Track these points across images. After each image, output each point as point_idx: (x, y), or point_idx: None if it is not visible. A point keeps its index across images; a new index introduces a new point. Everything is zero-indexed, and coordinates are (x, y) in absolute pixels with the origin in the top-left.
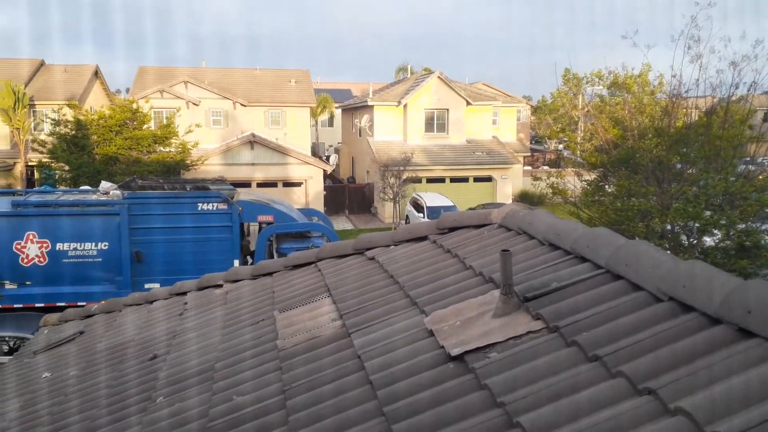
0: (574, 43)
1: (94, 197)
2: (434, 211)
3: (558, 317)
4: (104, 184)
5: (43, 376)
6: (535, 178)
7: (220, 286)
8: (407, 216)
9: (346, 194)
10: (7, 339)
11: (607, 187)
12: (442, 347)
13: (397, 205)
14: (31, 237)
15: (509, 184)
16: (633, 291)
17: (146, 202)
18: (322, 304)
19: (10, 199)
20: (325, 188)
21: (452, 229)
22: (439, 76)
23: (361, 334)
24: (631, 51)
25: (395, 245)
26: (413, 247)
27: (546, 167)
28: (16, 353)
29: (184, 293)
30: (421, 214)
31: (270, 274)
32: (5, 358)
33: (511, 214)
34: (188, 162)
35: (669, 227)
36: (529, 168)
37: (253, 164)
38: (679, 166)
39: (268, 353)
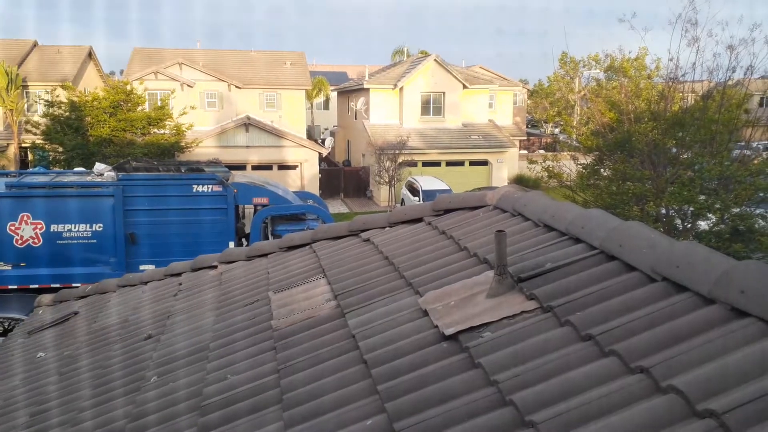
0: (571, 26)
1: (88, 179)
2: (430, 195)
3: (552, 297)
4: (98, 166)
5: (38, 355)
6: (531, 162)
7: (215, 267)
8: (402, 199)
9: (342, 177)
10: (1, 320)
11: (602, 170)
12: (436, 327)
13: (393, 188)
14: (25, 218)
15: (505, 168)
16: (627, 271)
17: (141, 184)
18: (317, 285)
19: (3, 180)
20: (321, 171)
21: (447, 211)
22: (435, 59)
23: (355, 314)
24: (629, 34)
25: (390, 227)
26: (408, 229)
27: (542, 151)
28: (10, 333)
29: (179, 274)
30: (417, 198)
31: (265, 255)
32: None
33: (506, 196)
34: (183, 144)
35: (664, 211)
36: (525, 152)
37: (248, 147)
38: (674, 150)
39: (262, 333)
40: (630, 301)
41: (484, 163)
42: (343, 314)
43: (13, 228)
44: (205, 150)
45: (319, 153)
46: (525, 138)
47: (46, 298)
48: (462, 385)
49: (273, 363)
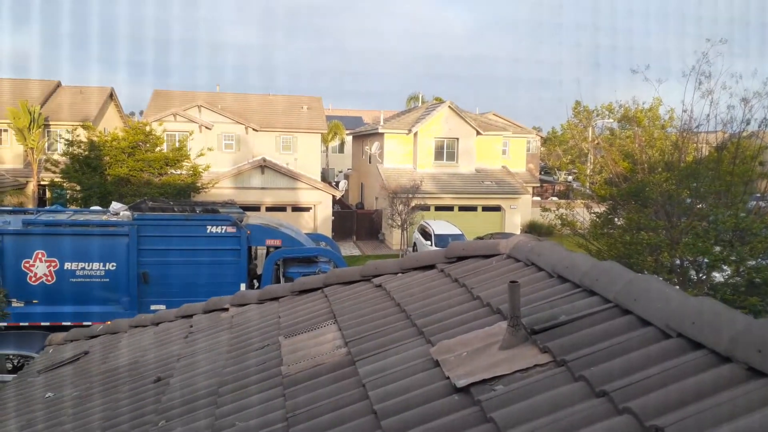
0: (584, 76)
1: (104, 218)
2: (442, 239)
3: (566, 351)
4: (114, 205)
5: (46, 395)
6: (544, 209)
7: (227, 309)
8: (415, 243)
9: (355, 220)
10: (11, 357)
11: (616, 219)
12: (448, 378)
13: (405, 232)
14: (39, 256)
15: (518, 214)
16: (641, 326)
17: (155, 224)
18: (327, 331)
19: (21, 217)
20: (334, 213)
21: (460, 259)
22: (449, 106)
23: (366, 362)
24: (642, 85)
25: (402, 273)
26: (421, 276)
27: (555, 198)
28: (20, 372)
29: (190, 316)
30: (429, 242)
31: (276, 299)
32: (9, 377)
33: (519, 245)
34: (199, 185)
35: (678, 262)
36: (538, 198)
37: (263, 188)
38: (689, 200)
39: (272, 379)
40: (644, 357)
41: (497, 208)
42: (353, 362)
43: (27, 265)
44: (221, 191)
45: (333, 195)
46: (538, 185)
47: (57, 336)
48: None
49: (282, 410)
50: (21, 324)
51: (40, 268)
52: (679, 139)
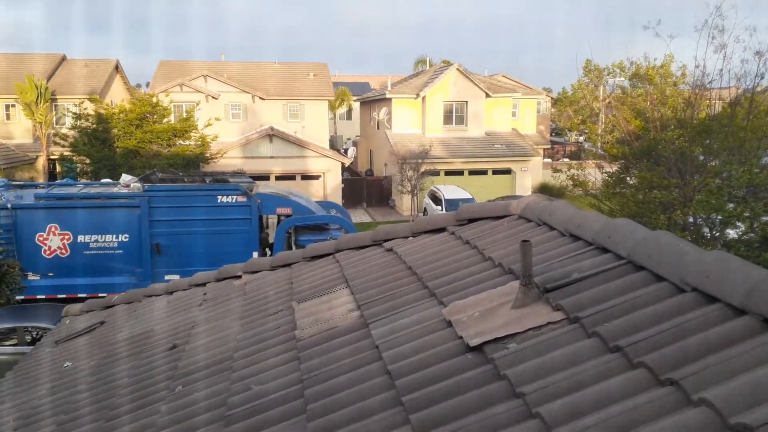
0: (595, 34)
1: (114, 190)
2: (452, 204)
3: (579, 308)
4: (125, 177)
5: (65, 365)
6: (556, 170)
7: (239, 277)
8: (425, 209)
9: (364, 187)
10: (29, 329)
11: (628, 179)
12: (461, 338)
13: (415, 197)
14: (53, 229)
15: (529, 176)
16: (655, 282)
17: (166, 195)
18: (340, 295)
19: (33, 191)
20: (343, 181)
21: (471, 221)
22: (458, 68)
23: (379, 324)
24: (654, 41)
25: (413, 236)
26: (431, 239)
27: (566, 159)
28: (38, 343)
29: (204, 284)
30: (440, 207)
31: (289, 265)
32: (28, 348)
33: (530, 206)
34: (207, 155)
35: (691, 220)
36: (549, 160)
37: (271, 157)
38: (701, 157)
39: (286, 343)
40: (659, 312)
41: (508, 171)
42: (366, 324)
43: (41, 239)
44: (229, 161)
45: (342, 163)
46: (549, 146)
47: (74, 307)
48: (487, 397)
49: (297, 373)
50: (37, 297)
51: (53, 241)
52: (691, 96)
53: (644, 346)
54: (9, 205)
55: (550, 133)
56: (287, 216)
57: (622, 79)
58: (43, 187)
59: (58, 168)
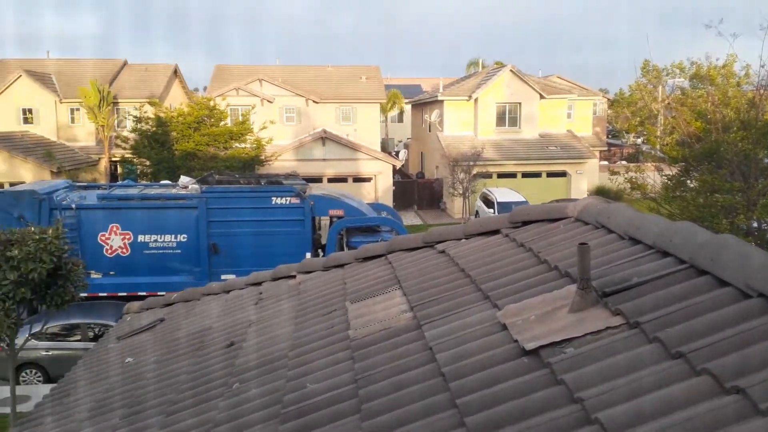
0: (654, 34)
1: (173, 191)
2: (505, 207)
3: (639, 313)
4: (183, 179)
5: (126, 360)
6: (613, 173)
7: (294, 277)
8: (477, 211)
9: (415, 189)
10: (92, 326)
11: (688, 182)
12: (516, 341)
13: (467, 200)
14: (114, 229)
15: (584, 179)
16: (719, 287)
17: (223, 196)
18: (393, 296)
19: (95, 192)
20: (395, 183)
21: (525, 223)
22: (511, 70)
23: (432, 326)
24: (716, 41)
25: (466, 239)
26: (485, 241)
27: (624, 162)
28: (101, 339)
29: (259, 283)
30: (492, 210)
31: (341, 265)
32: (91, 344)
33: (588, 208)
34: (262, 158)
35: (755, 224)
36: (606, 163)
37: (324, 160)
38: (766, 160)
39: (340, 343)
40: (722, 318)
41: (563, 174)
42: (419, 326)
43: (103, 238)
44: (283, 163)
45: (393, 165)
46: (605, 149)
47: (134, 305)
48: (544, 402)
49: (351, 373)
50: (99, 294)
51: (115, 241)
52: (755, 96)
53: (708, 353)
54: (73, 206)
55: (607, 135)
56: (339, 217)
57: (682, 79)
58: (105, 188)
59: (119, 170)
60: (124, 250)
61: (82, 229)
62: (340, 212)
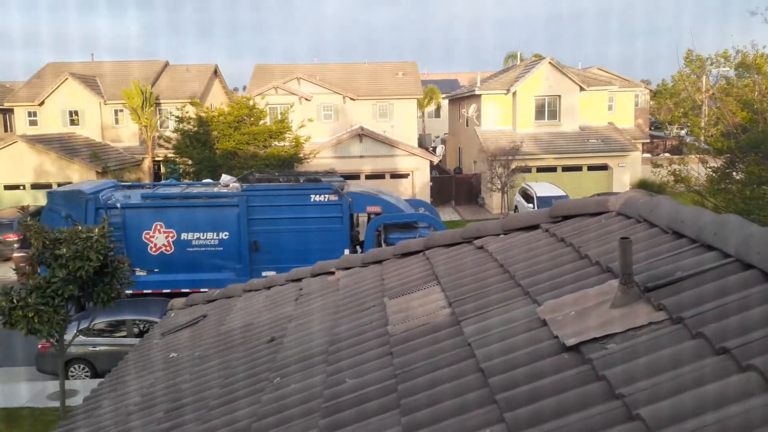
0: (697, 22)
1: (215, 190)
2: (545, 202)
3: (682, 308)
4: (224, 178)
5: (171, 355)
6: (656, 166)
7: (333, 273)
8: (516, 206)
9: (453, 185)
10: (137, 322)
11: (734, 174)
12: (556, 337)
13: (506, 195)
14: (158, 227)
15: (627, 172)
16: (765, 281)
17: (263, 194)
18: (431, 292)
19: (139, 191)
20: (432, 179)
21: (566, 218)
22: (550, 62)
23: (470, 322)
24: (762, 28)
25: (505, 234)
26: (524, 236)
27: (667, 154)
28: (146, 335)
29: (299, 280)
30: (531, 205)
31: (380, 262)
32: (136, 340)
33: (630, 201)
34: (301, 155)
35: None
36: (649, 155)
37: (361, 156)
38: None
39: (379, 338)
40: None
41: (604, 167)
42: (458, 322)
43: (147, 236)
44: (321, 161)
45: (430, 161)
46: (648, 141)
47: (178, 302)
48: (584, 398)
49: (390, 368)
50: (144, 291)
51: (159, 238)
52: None
53: (754, 349)
54: (118, 205)
55: (649, 127)
56: (377, 214)
57: (727, 69)
58: (149, 188)
59: (162, 169)
60: (168, 248)
61: (127, 227)
62: (377, 209)
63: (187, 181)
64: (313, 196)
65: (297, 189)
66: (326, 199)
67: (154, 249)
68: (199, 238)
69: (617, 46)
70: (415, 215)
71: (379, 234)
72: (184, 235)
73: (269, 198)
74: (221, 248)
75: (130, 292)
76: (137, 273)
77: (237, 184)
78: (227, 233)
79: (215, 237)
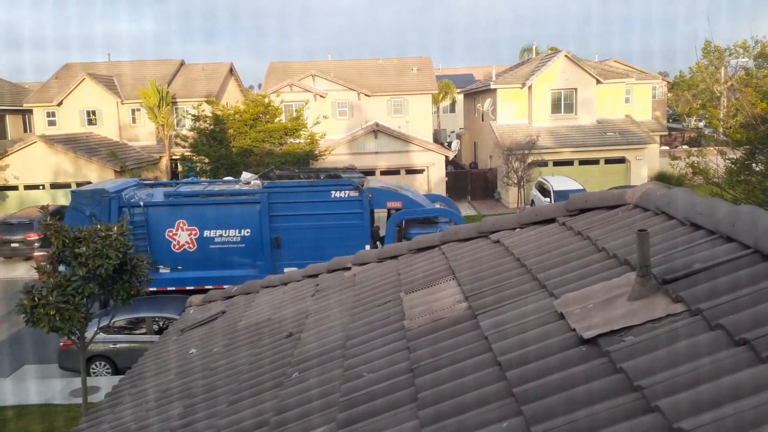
0: (715, 13)
1: (236, 187)
2: (562, 195)
3: (700, 300)
4: (245, 175)
5: (190, 351)
6: (674, 158)
7: (349, 268)
8: (532, 201)
9: (469, 180)
10: (156, 319)
11: (754, 165)
12: (574, 330)
13: (522, 189)
14: (181, 225)
15: (645, 165)
16: None
17: (284, 191)
18: (447, 287)
19: (162, 190)
20: (447, 174)
21: (582, 211)
22: (566, 55)
23: (487, 316)
24: None
25: (521, 228)
26: (540, 230)
27: (685, 146)
28: (165, 332)
29: (316, 275)
30: (548, 199)
31: (395, 257)
32: (155, 337)
33: (647, 194)
34: (317, 152)
35: None
36: (667, 148)
37: (376, 153)
38: None
39: (395, 333)
40: None
41: (622, 160)
42: (474, 316)
43: (170, 234)
44: (337, 157)
45: (446, 156)
46: (666, 133)
47: (197, 298)
48: (603, 391)
49: (407, 362)
50: (168, 289)
51: (182, 236)
52: None
53: None
54: (141, 203)
55: (667, 119)
56: (397, 209)
57: (746, 59)
58: (171, 186)
59: (179, 167)
60: (191, 246)
61: (150, 225)
62: (398, 204)
63: (204, 179)
64: (333, 192)
65: (318, 185)
66: (347, 195)
67: (177, 246)
68: (221, 236)
69: (634, 38)
70: (436, 210)
71: (400, 229)
72: (206, 233)
73: (290, 195)
74: (243, 245)
75: (154, 289)
76: (161, 270)
77: (258, 182)
78: (249, 230)
79: (237, 234)
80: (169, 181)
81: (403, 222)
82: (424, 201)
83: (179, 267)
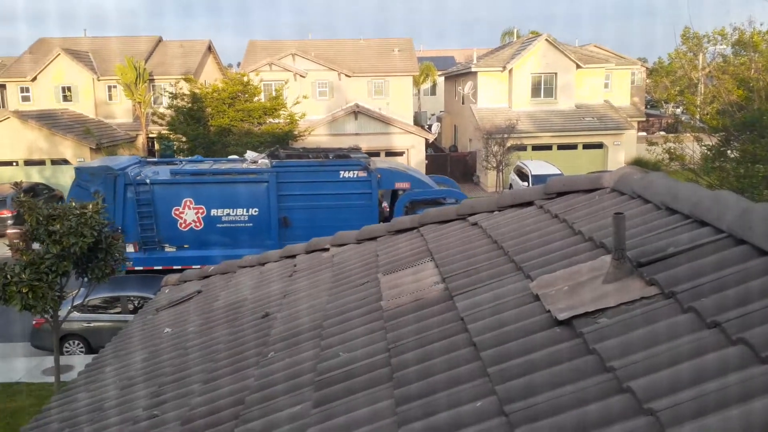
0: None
1: (243, 166)
2: (540, 180)
3: (674, 283)
4: (250, 154)
5: (165, 331)
6: (651, 144)
7: (327, 249)
8: (511, 185)
9: (448, 163)
10: (132, 298)
11: (729, 152)
12: (549, 312)
13: (501, 173)
14: (188, 203)
15: (622, 150)
16: (758, 256)
17: (293, 170)
18: (424, 268)
19: (168, 167)
20: (427, 157)
21: (560, 194)
22: (546, 39)
23: (463, 297)
24: (760, 6)
25: (499, 211)
26: (518, 213)
27: (663, 132)
28: (140, 310)
29: (293, 256)
30: (526, 183)
31: (374, 238)
32: (130, 316)
33: (624, 178)
34: (296, 132)
35: None
36: (644, 134)
37: (357, 134)
38: None
39: (372, 313)
40: (762, 288)
41: (599, 146)
42: (451, 297)
43: (177, 212)
44: (316, 138)
45: (426, 139)
46: (644, 119)
47: (172, 278)
48: (575, 371)
49: (383, 342)
50: (173, 267)
51: (188, 214)
52: None
53: (744, 322)
54: (147, 181)
55: (645, 105)
56: (404, 190)
57: (724, 46)
58: (176, 164)
59: (156, 146)
60: (198, 224)
61: (156, 203)
62: (406, 185)
63: (181, 157)
64: (342, 172)
65: (327, 165)
66: (355, 175)
67: (183, 225)
68: (228, 214)
69: (614, 23)
70: (443, 191)
71: (407, 210)
72: (213, 212)
73: (299, 174)
74: (251, 224)
75: (161, 267)
76: (166, 249)
77: (266, 161)
78: (257, 209)
79: (245, 213)
80: (173, 159)
81: (410, 203)
82: (430, 182)
83: (185, 246)
